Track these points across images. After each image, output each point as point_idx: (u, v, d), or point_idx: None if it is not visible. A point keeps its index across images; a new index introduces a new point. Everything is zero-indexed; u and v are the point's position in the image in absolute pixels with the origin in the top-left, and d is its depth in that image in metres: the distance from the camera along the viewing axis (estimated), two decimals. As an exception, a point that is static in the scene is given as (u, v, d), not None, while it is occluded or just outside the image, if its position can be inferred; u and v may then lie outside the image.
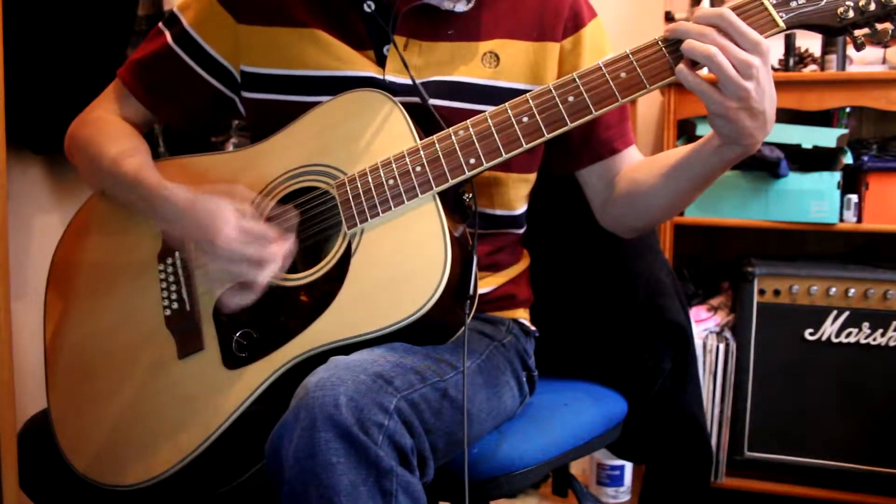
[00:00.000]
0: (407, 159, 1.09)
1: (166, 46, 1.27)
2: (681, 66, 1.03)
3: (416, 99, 1.17)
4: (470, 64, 1.21)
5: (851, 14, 1.04)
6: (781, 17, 1.04)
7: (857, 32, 1.06)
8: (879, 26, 1.05)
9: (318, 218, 1.14)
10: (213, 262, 1.09)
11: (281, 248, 1.08)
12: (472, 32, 1.21)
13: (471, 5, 1.21)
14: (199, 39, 1.25)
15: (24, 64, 1.84)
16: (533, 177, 1.31)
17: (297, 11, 1.21)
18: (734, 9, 1.03)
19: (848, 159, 2.18)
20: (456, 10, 1.20)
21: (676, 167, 1.17)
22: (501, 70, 1.22)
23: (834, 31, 1.07)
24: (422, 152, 1.09)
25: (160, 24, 1.29)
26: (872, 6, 1.03)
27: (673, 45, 1.05)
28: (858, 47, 1.07)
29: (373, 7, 1.20)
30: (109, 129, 1.28)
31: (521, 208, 1.31)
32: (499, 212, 1.28)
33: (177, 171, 1.22)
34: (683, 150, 1.17)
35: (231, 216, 1.08)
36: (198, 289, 1.15)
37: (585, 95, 1.07)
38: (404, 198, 1.07)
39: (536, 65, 1.23)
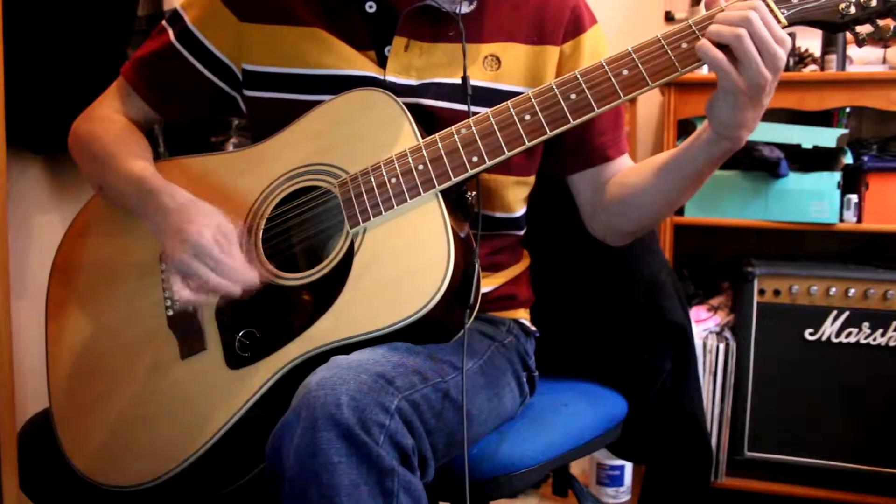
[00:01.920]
0: (409, 157, 1.09)
1: (169, 44, 1.27)
2: (703, 42, 1.02)
3: (416, 100, 1.18)
4: (471, 66, 1.20)
5: (853, 10, 1.04)
6: (783, 13, 1.04)
7: (859, 28, 1.06)
8: (881, 22, 1.05)
9: (320, 217, 1.14)
10: (181, 253, 1.08)
11: (246, 274, 1.08)
12: (473, 35, 1.21)
13: (472, 7, 1.21)
14: (202, 37, 1.25)
15: (24, 64, 1.84)
16: (532, 179, 1.31)
17: (299, 10, 1.21)
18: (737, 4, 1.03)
19: (848, 159, 2.18)
20: (458, 12, 1.20)
21: (665, 167, 1.18)
22: (502, 73, 1.22)
23: (836, 28, 1.07)
24: (424, 150, 1.09)
25: (163, 22, 1.29)
26: (874, 2, 1.03)
27: (675, 42, 1.05)
28: (860, 43, 1.07)
29: (374, 8, 1.20)
30: (112, 127, 1.28)
31: (520, 210, 1.31)
32: (498, 214, 1.28)
33: (177, 172, 1.22)
34: (672, 150, 1.18)
35: (215, 220, 1.10)
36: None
37: (588, 93, 1.07)
38: (406, 196, 1.07)
39: (536, 68, 1.23)
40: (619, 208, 1.27)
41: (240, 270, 1.08)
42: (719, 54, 1.01)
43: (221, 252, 1.07)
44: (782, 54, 1.00)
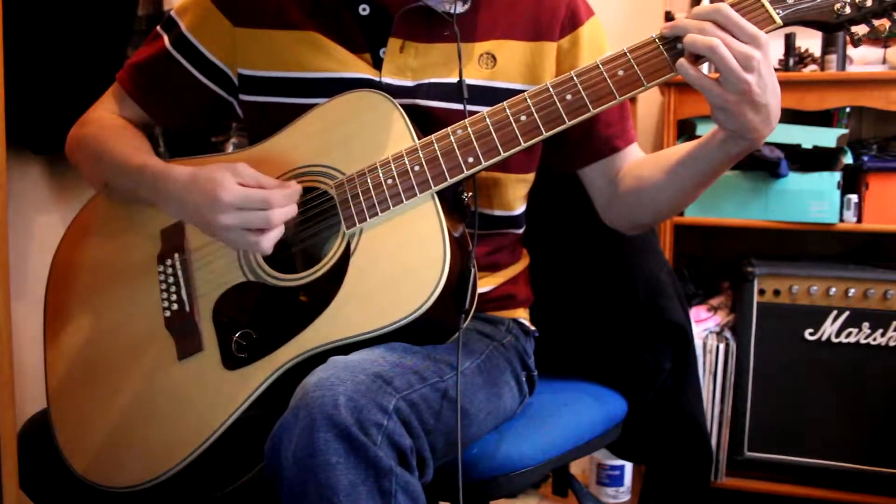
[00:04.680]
0: (405, 159, 1.09)
1: (164, 51, 1.27)
2: (682, 61, 1.03)
3: (412, 101, 1.18)
4: (467, 65, 1.20)
5: (848, 10, 1.04)
6: (778, 13, 1.04)
7: (855, 28, 1.06)
8: (876, 22, 1.05)
9: (317, 218, 1.14)
10: (224, 219, 1.07)
11: (283, 192, 1.08)
12: (468, 33, 1.21)
13: (467, 6, 1.21)
14: (197, 43, 1.26)
15: (25, 64, 1.84)
16: (531, 177, 1.31)
17: (293, 14, 1.22)
18: (731, 6, 1.03)
19: (848, 159, 2.18)
20: (452, 12, 1.20)
21: (681, 163, 1.17)
22: (498, 71, 1.22)
23: (831, 28, 1.07)
24: (420, 152, 1.09)
25: (158, 28, 1.30)
26: (869, 2, 1.03)
27: (670, 42, 1.05)
28: (856, 43, 1.07)
29: (368, 10, 1.20)
30: (111, 125, 1.28)
31: (519, 208, 1.31)
32: (497, 212, 1.28)
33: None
34: (689, 145, 1.16)
35: (227, 174, 1.08)
36: (197, 290, 1.15)
37: (583, 93, 1.07)
38: (403, 197, 1.07)
39: (533, 65, 1.23)
40: (635, 201, 1.26)
41: (281, 191, 1.08)
42: (698, 72, 1.01)
43: (258, 189, 1.07)
44: (754, 53, 0.99)
